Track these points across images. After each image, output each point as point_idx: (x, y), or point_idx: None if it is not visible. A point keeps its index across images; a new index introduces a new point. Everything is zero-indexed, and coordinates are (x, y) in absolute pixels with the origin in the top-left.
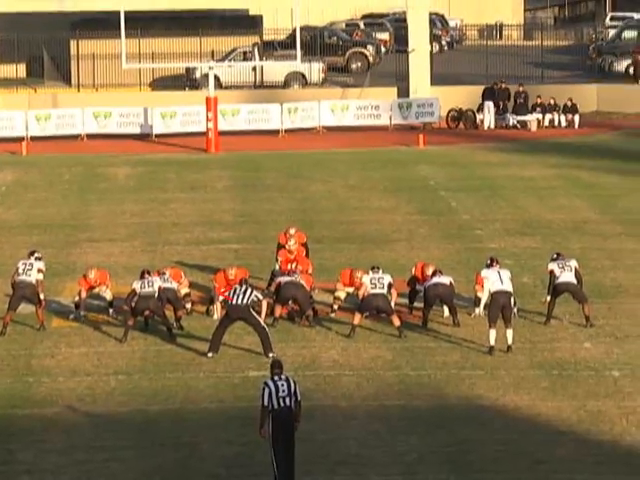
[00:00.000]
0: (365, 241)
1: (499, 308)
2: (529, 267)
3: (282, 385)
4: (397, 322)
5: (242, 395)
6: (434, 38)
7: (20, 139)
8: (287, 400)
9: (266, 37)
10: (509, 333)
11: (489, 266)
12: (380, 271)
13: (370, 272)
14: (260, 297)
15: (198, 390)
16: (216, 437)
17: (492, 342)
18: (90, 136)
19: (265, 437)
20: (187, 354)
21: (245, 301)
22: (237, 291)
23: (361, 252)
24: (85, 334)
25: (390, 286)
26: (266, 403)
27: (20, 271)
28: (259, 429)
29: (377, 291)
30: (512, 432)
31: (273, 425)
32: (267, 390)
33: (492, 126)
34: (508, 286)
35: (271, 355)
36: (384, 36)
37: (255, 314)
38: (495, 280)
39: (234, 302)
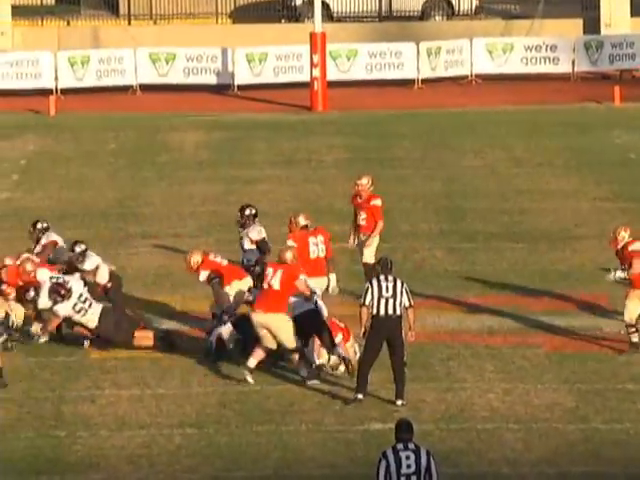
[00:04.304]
0: (536, 239)
1: None
2: None
3: (407, 458)
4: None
5: (361, 457)
6: None
7: (47, 92)
8: None
9: None
10: None
11: None
12: None
13: None
14: (411, 301)
15: (299, 449)
16: None
17: None
18: (145, 88)
19: None
20: (283, 397)
21: (399, 309)
22: (381, 286)
23: (530, 254)
24: (138, 369)
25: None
26: None
27: None
28: None
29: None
30: None
31: None
32: (384, 464)
33: None
34: None
35: (400, 403)
36: None
37: (404, 332)
38: None
39: (381, 312)
